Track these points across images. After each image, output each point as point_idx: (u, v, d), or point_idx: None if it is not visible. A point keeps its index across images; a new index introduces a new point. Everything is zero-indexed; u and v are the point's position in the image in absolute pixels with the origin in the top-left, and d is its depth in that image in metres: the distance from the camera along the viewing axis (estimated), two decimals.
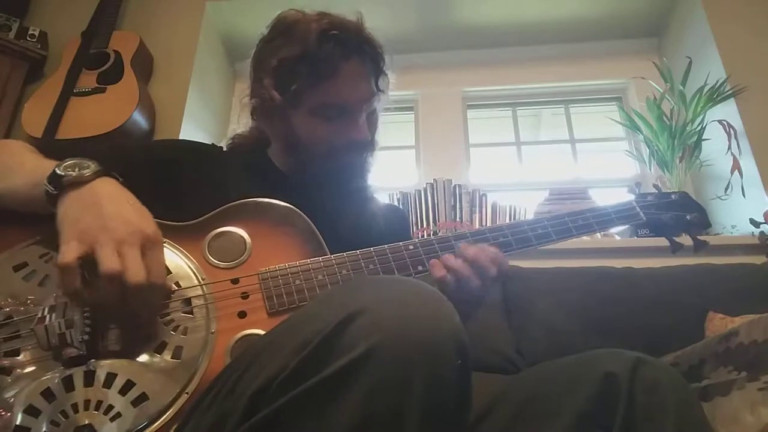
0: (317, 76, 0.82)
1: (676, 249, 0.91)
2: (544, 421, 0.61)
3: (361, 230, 0.88)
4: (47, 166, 0.65)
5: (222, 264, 0.70)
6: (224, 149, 0.97)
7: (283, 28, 0.87)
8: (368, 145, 0.90)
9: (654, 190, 0.95)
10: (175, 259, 0.68)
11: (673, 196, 0.93)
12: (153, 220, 0.64)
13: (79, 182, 0.63)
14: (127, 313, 0.59)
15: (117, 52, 2.01)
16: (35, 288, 0.62)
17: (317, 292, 0.69)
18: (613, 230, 1.84)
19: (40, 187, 0.64)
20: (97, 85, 1.94)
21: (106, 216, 0.59)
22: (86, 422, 0.54)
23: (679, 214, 0.90)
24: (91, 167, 0.65)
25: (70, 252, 0.56)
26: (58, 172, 0.63)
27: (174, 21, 2.22)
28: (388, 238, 0.79)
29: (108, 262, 0.56)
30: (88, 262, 0.57)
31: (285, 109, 0.85)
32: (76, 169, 0.64)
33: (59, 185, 0.63)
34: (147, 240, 0.60)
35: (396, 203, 2.03)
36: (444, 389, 0.45)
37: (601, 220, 0.86)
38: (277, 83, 0.84)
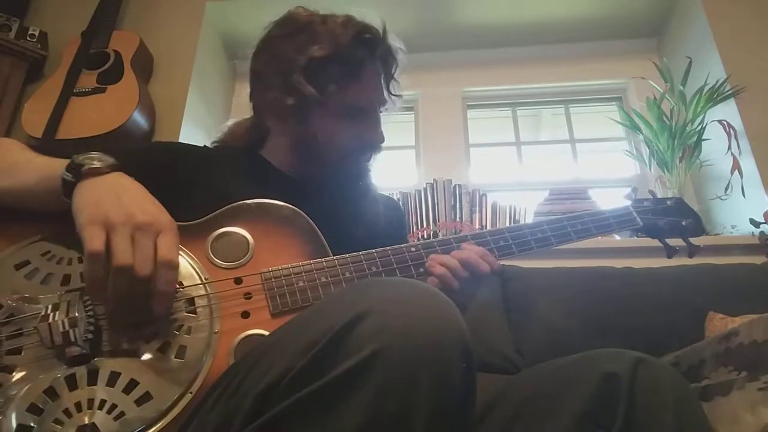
0: (344, 77, 0.83)
1: (672, 254, 0.93)
2: (544, 421, 0.61)
3: (361, 229, 0.88)
4: (56, 163, 0.67)
5: (225, 264, 0.70)
6: (212, 149, 0.97)
7: (301, 25, 0.87)
8: (380, 148, 0.92)
9: (650, 196, 0.97)
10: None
11: (668, 202, 0.95)
12: (167, 212, 0.64)
13: (97, 173, 0.65)
14: (144, 299, 0.58)
15: (117, 52, 2.01)
16: (37, 286, 0.62)
17: (320, 293, 0.69)
18: None
19: (52, 181, 0.64)
20: (97, 85, 1.94)
21: (125, 203, 0.60)
22: (89, 421, 0.54)
23: (674, 220, 0.92)
24: (109, 162, 0.67)
25: (96, 238, 0.56)
26: (78, 160, 0.65)
27: (174, 21, 2.22)
28: (385, 230, 0.79)
29: (121, 251, 0.56)
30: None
31: (306, 108, 0.85)
32: (96, 161, 0.66)
33: (78, 174, 0.64)
34: (163, 226, 0.60)
35: None
36: (450, 391, 0.45)
37: (600, 224, 0.88)
38: (309, 80, 0.83)
